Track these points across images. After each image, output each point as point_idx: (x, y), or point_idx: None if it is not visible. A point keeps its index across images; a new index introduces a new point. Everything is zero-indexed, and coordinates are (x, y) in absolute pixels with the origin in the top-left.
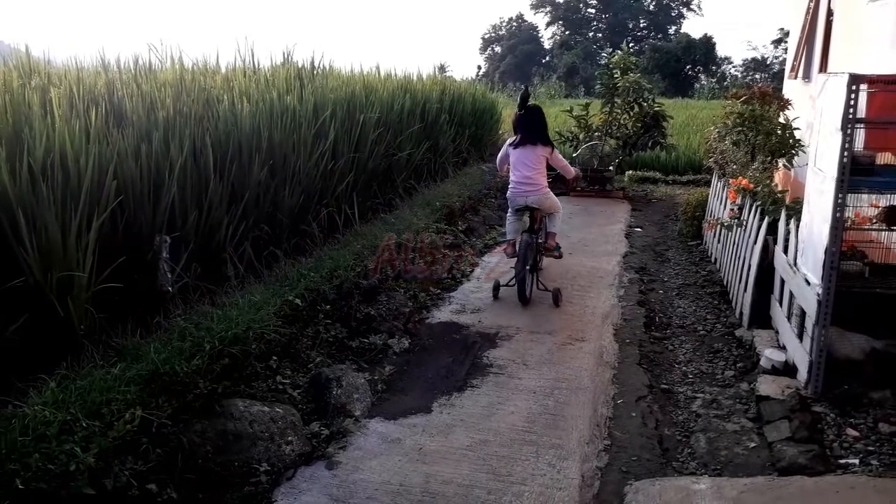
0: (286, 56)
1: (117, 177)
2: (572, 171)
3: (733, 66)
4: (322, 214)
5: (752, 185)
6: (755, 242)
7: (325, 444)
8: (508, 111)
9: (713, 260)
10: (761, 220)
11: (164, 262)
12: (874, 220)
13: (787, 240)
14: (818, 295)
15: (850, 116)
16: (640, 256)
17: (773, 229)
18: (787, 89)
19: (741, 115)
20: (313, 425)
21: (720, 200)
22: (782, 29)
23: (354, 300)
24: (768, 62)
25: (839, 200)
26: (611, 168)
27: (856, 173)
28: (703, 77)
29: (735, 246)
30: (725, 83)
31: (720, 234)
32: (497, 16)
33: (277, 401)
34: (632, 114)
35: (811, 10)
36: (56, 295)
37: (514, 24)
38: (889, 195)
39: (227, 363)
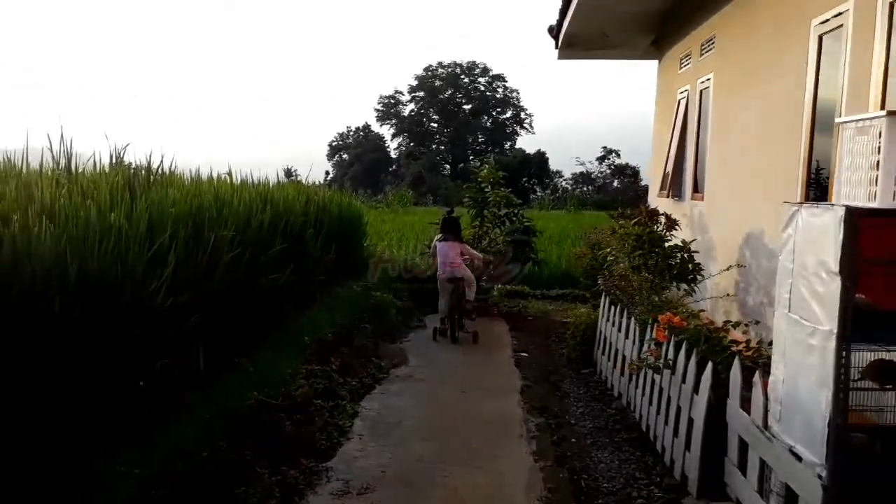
0: (115, 157)
1: None
2: (480, 257)
3: (564, 180)
4: (157, 367)
5: (684, 323)
6: (695, 392)
7: None
8: (372, 216)
9: (616, 395)
10: (701, 365)
11: None
12: (858, 378)
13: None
14: (822, 479)
15: (852, 257)
16: (538, 391)
17: (701, 368)
18: (658, 206)
19: (640, 237)
20: None
21: (620, 329)
22: (605, 147)
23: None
24: (593, 176)
25: (843, 360)
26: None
27: (859, 325)
28: (538, 189)
29: (658, 388)
30: (557, 195)
31: (619, 364)
32: (344, 124)
33: None
34: (502, 228)
35: (678, 135)
36: None
37: (362, 133)
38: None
39: None
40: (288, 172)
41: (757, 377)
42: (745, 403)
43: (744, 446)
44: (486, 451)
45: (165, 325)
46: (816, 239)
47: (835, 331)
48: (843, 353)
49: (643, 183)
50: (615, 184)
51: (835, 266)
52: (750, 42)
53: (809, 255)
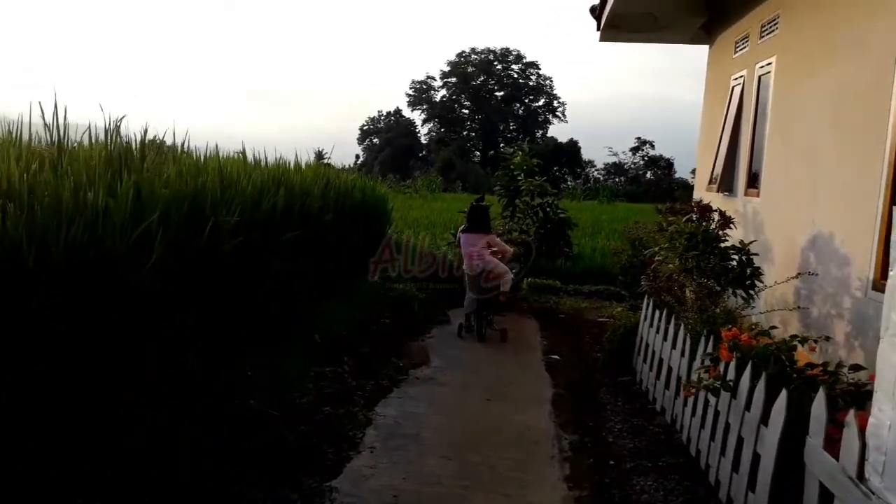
0: (109, 129)
1: None
2: (509, 250)
3: (596, 170)
4: (135, 374)
5: (753, 341)
6: (763, 424)
7: None
8: (399, 202)
9: (659, 409)
10: (772, 392)
11: None
12: None
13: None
14: None
15: None
16: (571, 400)
17: (771, 395)
18: (708, 201)
19: (693, 235)
20: None
21: (666, 338)
22: (639, 138)
23: None
24: (626, 167)
25: None
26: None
27: None
28: (569, 178)
29: (714, 412)
30: (589, 185)
31: (664, 376)
32: (375, 109)
33: None
34: (536, 219)
35: (730, 126)
36: None
37: (392, 118)
38: None
39: None
40: (319, 155)
41: (851, 416)
42: (829, 444)
43: (825, 495)
44: (514, 474)
45: (149, 322)
46: None
47: None
48: None
49: (677, 175)
50: (648, 175)
51: None
52: (823, 19)
53: None
